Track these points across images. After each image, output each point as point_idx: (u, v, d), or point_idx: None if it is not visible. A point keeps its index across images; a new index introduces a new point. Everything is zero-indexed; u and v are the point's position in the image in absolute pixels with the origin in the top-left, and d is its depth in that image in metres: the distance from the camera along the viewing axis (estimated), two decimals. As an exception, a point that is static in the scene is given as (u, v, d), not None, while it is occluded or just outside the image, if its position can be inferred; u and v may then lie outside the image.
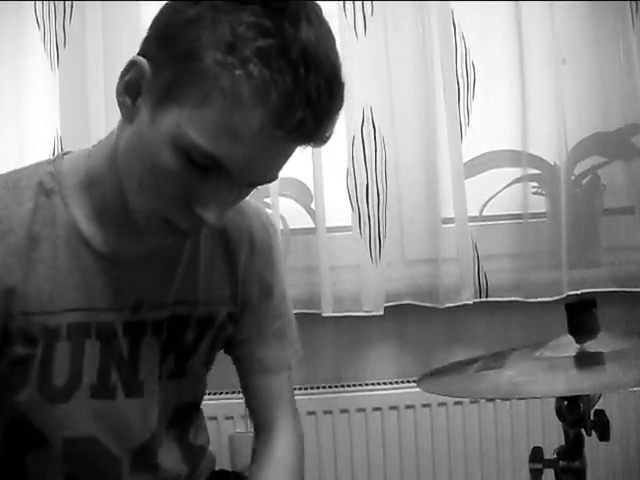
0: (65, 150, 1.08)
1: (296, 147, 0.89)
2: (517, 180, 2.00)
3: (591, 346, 1.05)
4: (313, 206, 1.93)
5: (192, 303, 1.11)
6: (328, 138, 0.90)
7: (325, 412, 1.93)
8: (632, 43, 1.95)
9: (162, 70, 0.87)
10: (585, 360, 1.03)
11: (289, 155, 0.90)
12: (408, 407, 1.93)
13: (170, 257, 1.08)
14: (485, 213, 2.06)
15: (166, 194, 0.91)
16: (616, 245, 2.01)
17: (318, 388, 1.96)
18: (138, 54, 0.89)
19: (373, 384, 1.97)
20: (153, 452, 1.12)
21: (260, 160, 0.87)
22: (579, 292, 1.91)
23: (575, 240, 1.97)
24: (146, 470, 1.12)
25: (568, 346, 1.06)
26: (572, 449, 1.09)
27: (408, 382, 1.96)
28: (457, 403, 1.94)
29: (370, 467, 1.94)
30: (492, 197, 2.04)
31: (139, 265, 1.05)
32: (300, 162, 1.86)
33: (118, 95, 0.91)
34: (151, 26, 0.90)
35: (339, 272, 1.94)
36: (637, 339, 1.07)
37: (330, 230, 1.93)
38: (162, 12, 0.90)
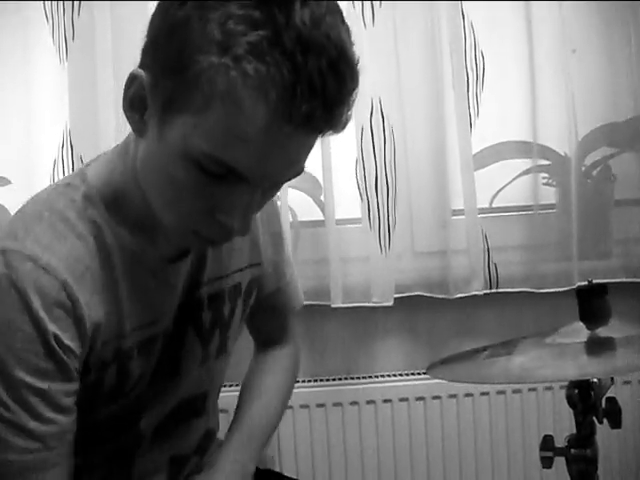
0: (81, 167, 1.04)
1: (313, 138, 0.84)
2: (527, 171, 1.99)
3: (602, 332, 1.04)
4: (322, 198, 1.93)
5: (223, 277, 1.12)
6: (346, 122, 0.84)
7: (335, 404, 1.93)
8: (643, 33, 1.94)
9: (160, 81, 0.84)
10: (596, 346, 1.02)
11: (309, 147, 0.86)
12: (418, 399, 1.93)
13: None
14: (495, 204, 2.05)
15: (188, 207, 0.88)
16: (627, 236, 2.00)
17: (328, 380, 1.96)
18: (139, 66, 0.87)
19: (383, 376, 1.97)
20: (179, 423, 1.16)
21: (275, 159, 0.83)
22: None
23: (586, 231, 1.96)
24: (163, 443, 1.14)
25: (579, 332, 1.06)
26: (583, 437, 1.08)
27: (418, 374, 1.95)
28: (467, 395, 1.93)
29: (380, 459, 1.94)
30: (502, 188, 2.03)
31: (178, 265, 1.05)
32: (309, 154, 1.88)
33: (125, 112, 0.89)
34: (147, 33, 0.87)
35: (348, 264, 1.94)
36: (648, 324, 1.06)
37: (339, 222, 1.93)
38: (153, 17, 0.86)
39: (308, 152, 0.86)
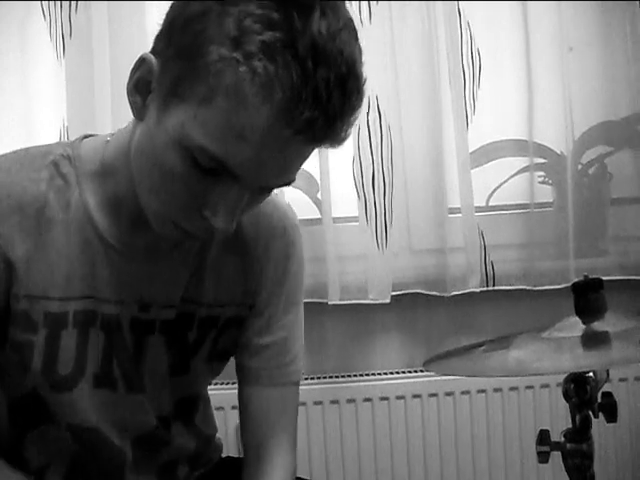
0: (84, 134, 1.05)
1: (310, 149, 0.84)
2: (524, 169, 2.00)
3: (598, 326, 1.04)
4: (319, 196, 1.93)
5: (198, 303, 1.07)
6: (344, 139, 0.84)
7: (332, 402, 1.93)
8: (639, 30, 1.94)
9: (169, 67, 0.84)
10: (592, 339, 1.02)
11: (304, 157, 0.85)
12: (415, 396, 1.93)
13: (180, 256, 1.05)
14: (492, 203, 2.06)
15: (174, 197, 0.87)
16: (623, 235, 2.01)
17: (325, 378, 1.96)
18: (150, 51, 0.87)
19: (380, 374, 1.97)
20: (156, 443, 1.12)
21: (270, 163, 0.82)
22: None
23: (582, 229, 1.97)
24: (149, 460, 1.12)
25: (575, 327, 1.06)
26: (579, 431, 1.08)
27: (415, 372, 1.96)
28: (464, 392, 1.94)
29: (377, 456, 1.94)
30: (499, 186, 2.04)
31: (148, 261, 1.03)
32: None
33: (129, 93, 0.89)
34: (163, 20, 0.87)
35: (345, 262, 1.94)
36: (643, 318, 1.06)
37: (336, 220, 1.93)
38: (172, 7, 0.86)
39: (302, 162, 0.86)
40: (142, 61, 0.87)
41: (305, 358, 1.70)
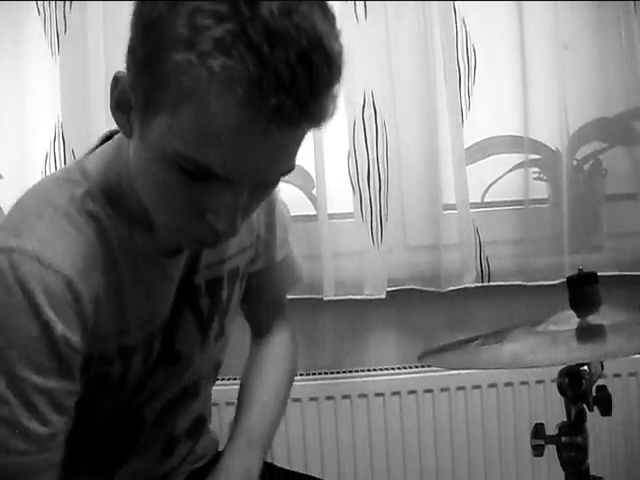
0: (78, 160, 1.03)
1: (294, 133, 0.80)
2: (518, 165, 2.00)
3: (592, 319, 1.04)
4: (314, 192, 1.93)
5: (220, 263, 1.12)
6: (326, 116, 0.80)
7: (327, 398, 1.93)
8: (634, 28, 1.94)
9: (137, 81, 0.82)
10: (586, 332, 1.02)
11: (292, 143, 0.82)
12: (410, 392, 1.93)
13: None
14: (487, 199, 2.06)
15: (174, 208, 0.86)
16: (618, 231, 2.01)
17: (320, 374, 1.96)
18: (126, 68, 0.84)
19: (375, 370, 1.97)
20: (179, 405, 1.16)
21: (252, 157, 0.79)
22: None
23: (577, 225, 1.96)
24: (163, 425, 1.15)
25: (569, 320, 1.06)
26: (574, 425, 1.09)
27: (410, 367, 1.96)
28: (459, 388, 1.94)
29: (372, 452, 1.94)
30: (493, 183, 2.04)
31: (178, 256, 1.04)
32: (301, 148, 1.88)
33: (112, 114, 0.88)
34: (129, 37, 0.84)
35: (341, 258, 1.94)
36: (639, 311, 1.07)
37: (332, 217, 1.93)
38: (131, 21, 0.83)
39: (293, 149, 0.83)
40: (116, 81, 0.86)
41: (300, 354, 1.71)
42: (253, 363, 1.32)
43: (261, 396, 1.25)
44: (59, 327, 0.89)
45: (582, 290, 1.07)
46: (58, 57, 1.86)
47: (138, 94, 0.82)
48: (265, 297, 1.31)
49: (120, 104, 0.86)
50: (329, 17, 0.80)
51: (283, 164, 0.84)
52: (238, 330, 1.41)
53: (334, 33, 0.80)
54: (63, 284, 0.89)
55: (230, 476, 1.13)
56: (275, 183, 0.89)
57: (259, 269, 1.25)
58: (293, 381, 1.34)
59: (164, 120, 0.80)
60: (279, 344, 1.35)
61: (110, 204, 0.97)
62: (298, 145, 0.83)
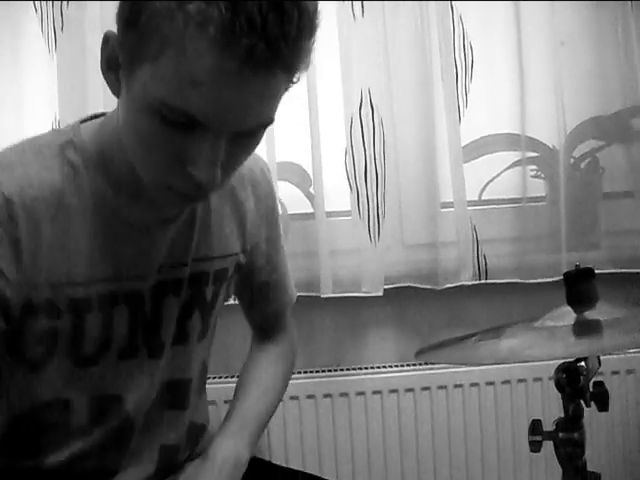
0: (81, 118, 1.07)
1: (270, 81, 0.83)
2: (516, 163, 2.00)
3: (589, 315, 1.04)
4: (312, 190, 1.93)
5: (209, 259, 1.13)
6: (298, 64, 0.84)
7: (325, 395, 1.92)
8: (631, 25, 1.95)
9: (125, 38, 0.86)
10: (583, 327, 1.03)
11: (267, 91, 0.84)
12: (408, 390, 1.93)
13: (185, 219, 1.09)
14: (484, 197, 2.06)
15: (157, 160, 0.90)
16: (615, 229, 2.01)
17: (318, 372, 1.95)
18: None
19: (373, 367, 1.97)
20: (167, 408, 1.16)
21: (229, 102, 0.83)
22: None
23: (574, 223, 1.97)
24: (153, 436, 1.15)
25: (566, 316, 1.06)
26: (571, 421, 1.09)
27: (408, 365, 1.96)
28: (457, 386, 1.94)
29: (370, 450, 1.94)
30: (491, 180, 2.04)
31: (160, 230, 1.06)
32: (298, 146, 1.89)
33: (103, 73, 0.92)
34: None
35: (338, 256, 1.94)
36: (635, 307, 1.07)
37: (329, 215, 1.93)
38: None
39: (269, 97, 0.85)
40: (106, 39, 0.90)
41: (298, 352, 1.71)
42: (252, 360, 1.34)
43: (257, 388, 1.27)
44: None
45: (579, 286, 1.07)
46: (55, 55, 1.85)
47: (125, 49, 0.86)
48: (268, 308, 1.34)
49: (110, 63, 0.90)
50: None
51: (260, 113, 0.86)
52: (238, 331, 1.43)
53: None
54: (1, 200, 0.92)
55: (220, 458, 1.14)
56: (254, 135, 0.90)
57: (262, 281, 1.28)
58: (286, 387, 1.37)
59: (147, 70, 0.83)
60: (279, 347, 1.38)
61: (94, 163, 1.00)
62: (275, 96, 0.86)
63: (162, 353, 1.11)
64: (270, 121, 0.89)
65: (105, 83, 0.93)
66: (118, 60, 0.88)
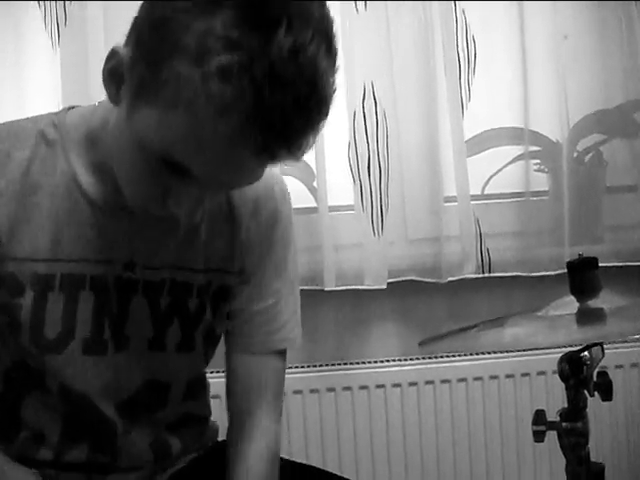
0: (71, 105, 1.08)
1: (268, 163, 0.85)
2: (519, 157, 2.00)
3: (593, 304, 1.04)
4: (315, 184, 1.93)
5: (193, 270, 1.08)
6: (306, 150, 0.84)
7: (328, 390, 1.93)
8: (634, 19, 1.95)
9: (136, 66, 0.84)
10: (586, 316, 1.03)
11: (265, 166, 0.86)
12: (411, 384, 1.93)
13: (169, 220, 1.03)
14: (487, 191, 2.06)
15: (140, 187, 0.91)
16: (619, 223, 2.01)
17: (321, 366, 1.95)
18: (125, 41, 0.86)
19: (376, 362, 1.97)
20: (144, 410, 1.12)
21: (229, 173, 0.85)
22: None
23: (577, 217, 1.96)
24: (141, 431, 1.12)
25: (570, 305, 1.06)
26: (575, 410, 1.09)
27: (411, 359, 1.96)
28: (460, 380, 1.94)
29: (373, 444, 1.94)
30: (494, 174, 2.04)
31: (135, 222, 1.03)
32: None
33: (104, 82, 0.90)
34: (138, 12, 0.85)
35: (341, 250, 1.94)
36: (638, 296, 1.07)
37: (332, 209, 1.93)
38: (142, 5, 0.85)
39: (263, 171, 0.88)
40: (115, 53, 0.87)
41: (301, 346, 1.70)
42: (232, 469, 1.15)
43: None
44: None
45: (582, 275, 1.07)
46: (59, 49, 1.86)
47: (133, 77, 0.84)
48: (257, 347, 1.16)
49: (113, 75, 0.88)
50: (332, 54, 0.83)
51: (254, 180, 0.89)
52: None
53: (333, 71, 0.82)
54: None
55: None
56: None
57: (255, 310, 1.15)
58: None
59: (154, 114, 0.82)
60: (253, 457, 1.14)
61: (74, 144, 1.01)
62: (265, 168, 0.88)
63: (127, 348, 1.07)
64: (259, 179, 0.89)
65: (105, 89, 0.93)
66: (122, 76, 0.86)
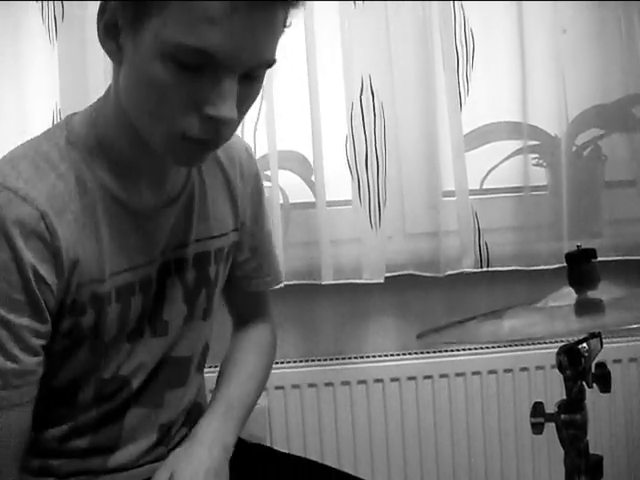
0: (68, 114, 1.07)
1: (277, 14, 0.89)
2: (518, 151, 1.99)
3: (591, 295, 1.04)
4: (313, 178, 1.92)
5: (209, 238, 1.16)
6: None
7: (326, 384, 1.92)
8: (633, 13, 1.94)
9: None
10: (585, 307, 1.02)
11: (274, 26, 0.90)
12: (410, 378, 1.93)
13: (185, 200, 1.11)
14: (486, 186, 2.05)
15: (173, 107, 0.90)
16: (617, 218, 2.00)
17: (319, 360, 1.95)
18: None
19: (374, 356, 1.96)
20: (165, 387, 1.16)
21: (243, 37, 0.87)
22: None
23: (576, 212, 1.96)
24: (151, 409, 1.16)
25: (568, 296, 1.06)
26: (573, 402, 1.09)
27: (409, 354, 1.96)
28: (459, 374, 1.94)
29: (372, 439, 1.94)
30: (492, 169, 2.03)
31: (162, 215, 1.08)
32: (299, 135, 1.88)
33: (102, 43, 0.94)
34: None
35: (340, 245, 1.93)
36: (637, 288, 1.06)
37: (330, 204, 1.92)
38: None
39: (273, 35, 0.91)
40: (103, 7, 0.92)
41: (300, 341, 1.71)
42: (234, 345, 1.36)
43: (240, 372, 1.29)
44: (28, 256, 0.92)
45: (581, 266, 1.07)
46: (56, 44, 1.85)
47: (128, 10, 0.89)
48: (249, 288, 1.34)
49: (108, 29, 0.92)
50: None
51: (266, 49, 0.91)
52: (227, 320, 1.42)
53: None
54: (37, 216, 0.93)
55: (206, 441, 1.14)
56: (258, 78, 0.94)
57: (245, 259, 1.29)
58: (268, 376, 1.36)
59: (158, 20, 0.86)
60: (260, 332, 1.37)
61: (92, 153, 1.01)
62: (276, 32, 0.92)
63: (166, 333, 1.13)
64: (273, 61, 0.93)
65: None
66: (117, 26, 0.91)
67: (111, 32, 0.92)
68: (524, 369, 1.94)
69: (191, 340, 1.19)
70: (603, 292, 1.04)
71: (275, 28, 0.91)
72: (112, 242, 1.02)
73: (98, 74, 1.81)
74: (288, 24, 0.93)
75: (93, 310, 1.02)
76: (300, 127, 1.88)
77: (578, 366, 1.06)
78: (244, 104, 0.94)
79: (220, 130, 0.93)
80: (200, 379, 1.28)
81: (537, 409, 1.10)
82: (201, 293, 1.17)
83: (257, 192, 1.28)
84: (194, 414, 1.25)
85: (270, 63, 0.93)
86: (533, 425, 1.10)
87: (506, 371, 1.94)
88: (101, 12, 0.93)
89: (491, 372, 1.94)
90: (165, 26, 0.86)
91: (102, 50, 1.80)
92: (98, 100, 1.06)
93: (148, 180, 1.05)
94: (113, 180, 1.02)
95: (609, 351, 1.11)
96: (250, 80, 0.93)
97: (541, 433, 1.10)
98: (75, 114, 1.07)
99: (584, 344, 1.05)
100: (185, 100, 0.90)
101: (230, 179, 1.21)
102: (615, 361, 1.92)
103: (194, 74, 0.88)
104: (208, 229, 1.16)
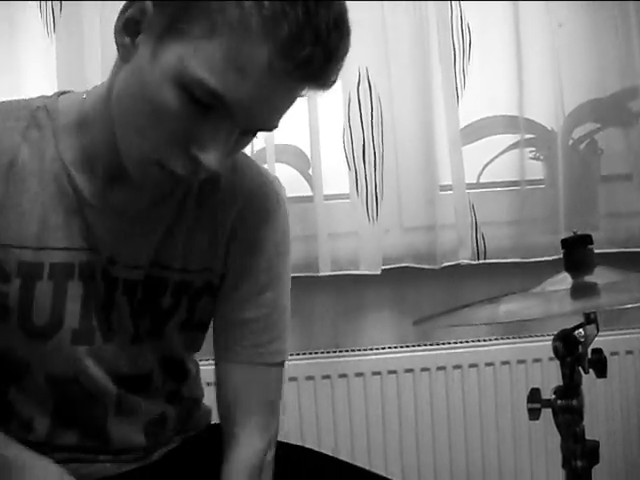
0: (62, 90, 1.06)
1: (301, 90, 0.87)
2: (514, 145, 2.00)
3: (587, 279, 1.05)
4: (310, 172, 1.93)
5: (169, 267, 1.06)
6: (333, 82, 0.88)
7: (324, 377, 1.93)
8: (629, 7, 1.95)
9: (166, 4, 0.85)
10: (580, 290, 1.03)
11: (293, 99, 0.88)
12: (407, 371, 1.94)
13: (153, 218, 1.04)
14: (482, 180, 2.06)
15: (164, 134, 0.87)
16: (614, 211, 2.01)
17: (317, 353, 1.96)
18: None
19: (372, 349, 1.97)
20: (137, 393, 1.12)
21: (265, 100, 0.85)
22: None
23: (572, 205, 1.97)
24: (132, 414, 1.12)
25: (564, 281, 1.07)
26: (570, 388, 1.09)
27: (407, 346, 1.96)
28: (456, 367, 1.94)
29: (369, 431, 1.94)
30: (489, 162, 2.04)
31: (120, 219, 1.02)
32: (296, 128, 1.89)
33: (117, 34, 0.89)
34: None
35: (337, 238, 1.94)
36: (633, 272, 1.07)
37: (328, 197, 1.93)
38: None
39: (288, 107, 0.89)
40: (133, 2, 0.88)
41: (296, 333, 1.70)
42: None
43: None
44: None
45: (576, 251, 1.08)
46: (54, 37, 1.85)
47: (161, 17, 0.85)
48: (248, 358, 1.11)
49: (128, 25, 0.88)
50: None
51: (279, 118, 0.90)
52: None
53: (346, 5, 0.90)
54: None
55: None
56: (253, 136, 0.94)
57: (246, 318, 1.11)
58: None
59: (190, 44, 0.83)
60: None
61: (67, 132, 0.99)
62: (292, 105, 0.90)
63: (114, 342, 1.06)
64: (276, 126, 0.91)
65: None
66: (140, 26, 0.87)
67: (130, 28, 0.88)
68: (521, 361, 1.95)
69: (140, 354, 1.09)
70: (599, 276, 1.05)
71: (294, 100, 0.89)
72: (55, 216, 0.98)
73: (96, 67, 1.82)
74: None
75: (20, 279, 0.98)
76: (297, 121, 1.88)
77: (574, 352, 1.07)
78: (231, 152, 0.92)
79: (198, 173, 0.89)
80: (192, 377, 1.22)
81: (534, 395, 1.11)
82: (143, 317, 1.07)
83: (261, 242, 1.08)
84: (191, 409, 1.23)
85: (272, 129, 0.91)
86: (530, 411, 1.10)
87: (503, 363, 1.95)
88: (128, 5, 0.88)
89: (488, 364, 1.95)
90: (194, 55, 0.82)
91: (100, 44, 1.82)
92: (95, 86, 1.03)
93: (114, 180, 0.99)
94: (76, 165, 0.99)
95: (606, 343, 1.11)
96: (246, 134, 0.91)
97: (537, 419, 1.10)
98: (69, 91, 1.05)
99: (580, 330, 1.06)
100: (178, 132, 0.87)
101: (223, 214, 1.07)
102: (612, 353, 1.93)
103: (199, 111, 0.85)
104: (171, 258, 1.05)
